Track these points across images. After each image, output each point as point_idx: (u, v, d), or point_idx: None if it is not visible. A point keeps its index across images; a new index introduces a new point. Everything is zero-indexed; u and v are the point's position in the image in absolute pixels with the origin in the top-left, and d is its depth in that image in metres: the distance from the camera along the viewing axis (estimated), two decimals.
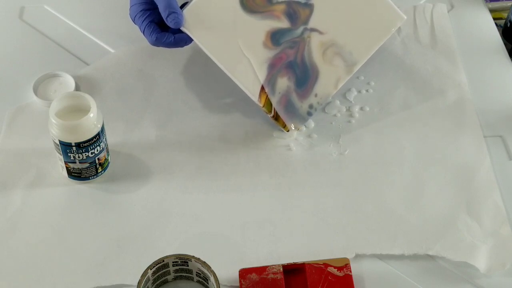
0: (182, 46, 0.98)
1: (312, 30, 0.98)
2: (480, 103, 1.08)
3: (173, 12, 0.94)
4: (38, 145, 1.01)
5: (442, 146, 1.03)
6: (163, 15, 0.95)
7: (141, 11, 0.97)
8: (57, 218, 0.95)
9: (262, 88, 0.98)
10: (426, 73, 1.11)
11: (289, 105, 1.00)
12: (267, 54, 0.98)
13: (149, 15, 0.97)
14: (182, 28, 0.96)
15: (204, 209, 0.96)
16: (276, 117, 1.00)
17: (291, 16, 0.98)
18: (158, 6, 0.95)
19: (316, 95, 1.00)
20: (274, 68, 0.98)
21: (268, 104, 0.99)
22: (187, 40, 0.97)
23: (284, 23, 0.98)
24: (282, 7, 0.98)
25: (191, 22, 0.97)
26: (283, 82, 0.99)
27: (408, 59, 1.12)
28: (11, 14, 1.17)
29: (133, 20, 0.99)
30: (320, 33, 0.99)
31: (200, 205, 0.96)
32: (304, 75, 0.99)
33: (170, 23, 0.95)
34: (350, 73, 1.01)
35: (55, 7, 1.18)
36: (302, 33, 0.98)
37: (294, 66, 0.99)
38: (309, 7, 0.99)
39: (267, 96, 0.99)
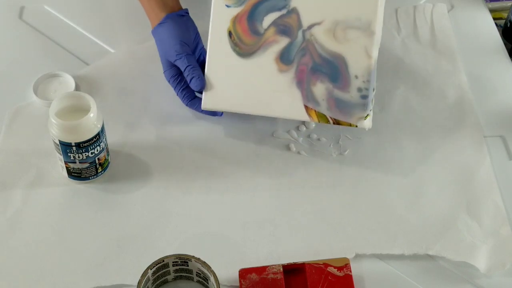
0: (213, 115, 1.03)
1: (310, 27, 0.97)
2: (480, 103, 1.08)
3: (193, 77, 0.99)
4: (38, 145, 1.01)
5: (442, 146, 1.03)
6: (187, 79, 1.00)
7: (174, 75, 1.01)
8: (57, 218, 0.95)
9: (306, 107, 0.97)
10: (426, 73, 1.11)
11: (339, 104, 0.97)
12: (288, 76, 0.97)
13: (181, 80, 1.02)
14: (206, 109, 1.00)
15: (204, 209, 0.96)
16: (338, 122, 0.97)
17: (285, 31, 0.97)
18: (181, 70, 1.01)
19: (356, 77, 0.96)
20: (302, 83, 0.97)
21: (321, 116, 0.97)
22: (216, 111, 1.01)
23: (283, 41, 0.97)
24: (272, 30, 0.97)
25: (210, 101, 0.99)
26: (319, 88, 0.97)
27: (408, 59, 1.12)
28: (11, 14, 1.17)
29: (169, 82, 1.03)
30: (319, 24, 0.97)
31: (200, 205, 0.96)
32: (332, 69, 0.97)
33: (193, 87, 1.00)
34: (372, 34, 0.95)
35: (55, 7, 1.18)
36: (304, 36, 0.97)
37: (318, 68, 0.97)
38: (294, 11, 0.97)
39: (315, 110, 0.97)
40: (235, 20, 0.98)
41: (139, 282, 0.83)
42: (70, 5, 1.18)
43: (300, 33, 0.97)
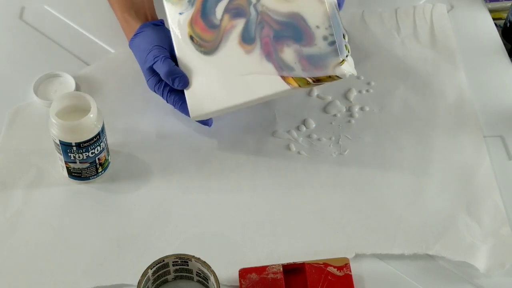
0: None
1: (259, 0, 0.95)
2: (480, 103, 1.08)
3: (176, 77, 0.97)
4: (38, 145, 1.01)
5: (442, 146, 1.03)
6: (168, 82, 0.98)
7: (157, 83, 1.00)
8: (57, 218, 0.95)
9: (282, 77, 0.94)
10: (426, 73, 1.11)
11: (311, 60, 0.93)
12: (256, 54, 0.95)
13: (166, 85, 1.00)
14: (195, 118, 0.98)
15: (204, 209, 0.96)
16: (318, 79, 0.93)
17: (238, 13, 0.96)
18: (161, 75, 0.98)
19: (318, 27, 0.93)
20: (271, 55, 0.95)
21: (300, 79, 0.94)
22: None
23: (240, 23, 0.96)
24: (226, 17, 0.97)
25: (196, 109, 0.98)
26: (288, 53, 0.94)
27: (408, 59, 1.12)
28: (11, 14, 1.17)
29: (154, 91, 1.01)
30: None
31: (200, 205, 0.96)
32: (293, 29, 0.94)
33: (177, 87, 0.98)
34: None
35: (55, 7, 1.18)
36: (256, 10, 0.95)
37: (279, 34, 0.94)
38: None
39: (291, 77, 0.94)
40: (191, 23, 0.98)
41: (139, 282, 0.83)
42: (70, 5, 1.18)
43: (252, 9, 0.96)
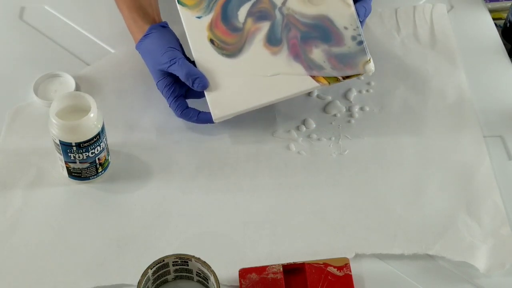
0: (206, 123, 1.01)
1: (284, 3, 0.98)
2: (480, 103, 1.08)
3: (196, 78, 0.98)
4: (38, 145, 1.01)
5: (442, 146, 1.03)
6: (188, 83, 0.98)
7: (167, 85, 1.00)
8: (57, 218, 0.95)
9: (312, 76, 0.98)
10: (426, 73, 1.11)
11: (341, 59, 0.98)
12: (283, 55, 0.98)
13: (175, 89, 1.00)
14: (218, 120, 0.99)
15: (204, 209, 0.96)
16: (347, 77, 0.98)
17: (262, 16, 0.98)
18: (179, 77, 0.98)
19: (346, 28, 0.98)
20: (299, 56, 0.98)
21: (329, 78, 0.98)
22: (209, 119, 1.00)
23: (265, 26, 0.98)
24: (250, 21, 0.99)
25: (219, 111, 0.99)
26: (317, 54, 0.98)
27: (408, 59, 1.12)
28: (11, 14, 1.17)
29: (162, 93, 1.01)
30: None
31: (200, 205, 0.96)
32: (321, 31, 0.98)
33: (197, 88, 0.98)
34: None
35: (55, 7, 1.18)
36: (282, 13, 0.98)
37: (307, 35, 0.98)
38: None
39: (321, 76, 0.98)
40: (211, 27, 0.99)
41: (139, 282, 0.83)
42: (70, 5, 1.18)
43: (277, 12, 0.98)
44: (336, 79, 0.98)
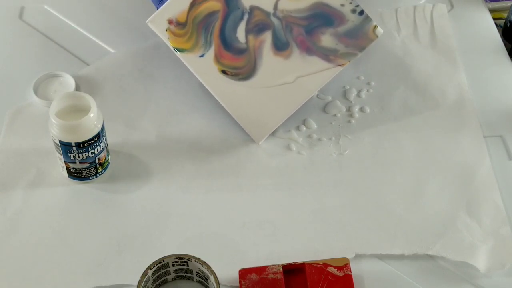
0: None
1: (275, 7, 0.98)
2: (480, 103, 1.08)
3: None
4: (38, 145, 1.01)
5: (442, 146, 1.03)
6: None
7: None
8: (57, 218, 0.95)
9: (330, 61, 0.99)
10: (426, 73, 1.11)
11: (351, 35, 0.99)
12: (295, 55, 0.99)
13: None
14: (262, 140, 1.02)
15: (204, 209, 0.96)
16: (363, 48, 0.99)
17: (261, 28, 0.98)
18: None
19: (342, 5, 0.98)
20: (311, 49, 0.99)
21: (347, 55, 0.99)
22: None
23: (267, 35, 0.99)
24: (251, 37, 0.98)
25: (259, 135, 1.02)
26: (326, 40, 0.99)
27: (408, 59, 1.13)
28: (11, 14, 1.17)
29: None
30: None
31: (200, 205, 0.96)
32: (321, 17, 0.99)
33: None
34: None
35: (55, 7, 1.18)
36: (277, 18, 0.98)
37: (310, 27, 0.99)
38: (253, 9, 0.98)
39: (339, 58, 0.99)
40: (217, 59, 0.99)
41: (139, 282, 0.83)
42: (70, 5, 1.18)
43: (273, 18, 0.99)
44: (355, 54, 0.99)
